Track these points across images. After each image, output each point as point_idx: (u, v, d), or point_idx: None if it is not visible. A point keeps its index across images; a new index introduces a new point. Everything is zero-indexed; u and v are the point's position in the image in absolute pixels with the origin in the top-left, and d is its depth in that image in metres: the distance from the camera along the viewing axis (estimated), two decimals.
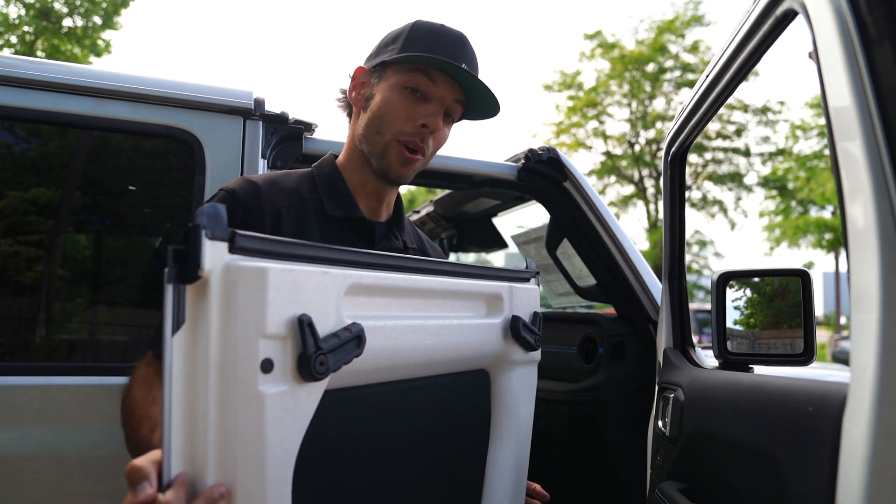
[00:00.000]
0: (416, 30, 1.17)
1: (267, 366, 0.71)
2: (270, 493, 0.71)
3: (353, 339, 0.82)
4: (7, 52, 12.52)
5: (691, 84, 17.95)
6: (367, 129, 1.18)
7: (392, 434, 1.00)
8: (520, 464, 1.22)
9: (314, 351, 0.75)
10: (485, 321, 1.15)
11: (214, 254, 0.68)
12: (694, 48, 18.80)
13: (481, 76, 1.22)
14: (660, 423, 1.30)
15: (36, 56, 12.64)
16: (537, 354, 1.27)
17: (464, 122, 1.27)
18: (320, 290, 0.79)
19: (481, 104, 1.21)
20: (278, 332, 0.72)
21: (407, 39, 1.16)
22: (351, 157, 1.23)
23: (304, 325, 0.75)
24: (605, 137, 19.84)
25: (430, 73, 1.14)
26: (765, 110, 18.99)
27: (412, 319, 0.98)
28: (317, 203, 1.17)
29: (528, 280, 1.27)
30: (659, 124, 19.23)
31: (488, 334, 1.15)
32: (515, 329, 1.19)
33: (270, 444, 0.71)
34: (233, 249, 0.70)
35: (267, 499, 0.71)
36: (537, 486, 1.32)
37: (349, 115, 1.27)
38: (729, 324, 1.24)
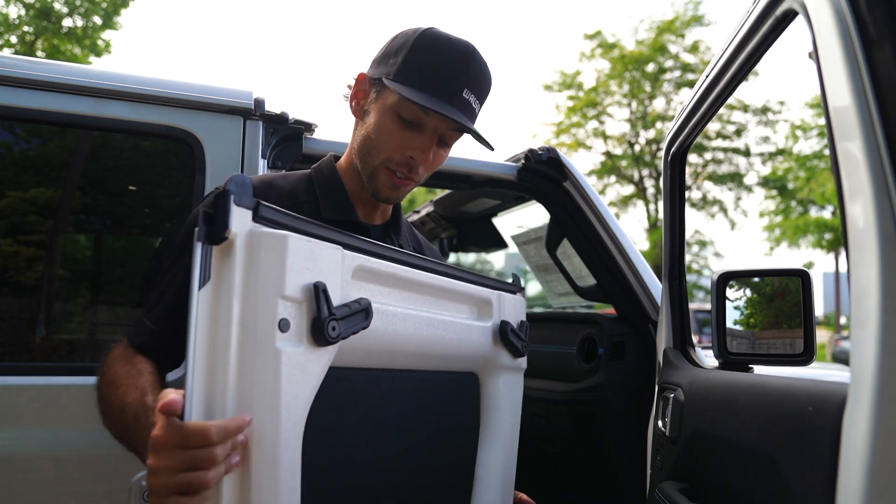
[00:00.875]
0: (416, 48, 1.10)
1: (284, 325, 0.77)
2: (284, 444, 0.76)
3: (361, 311, 0.88)
4: (7, 52, 12.52)
5: (691, 84, 17.95)
6: (360, 149, 1.17)
7: (387, 427, 1.02)
8: (508, 467, 1.26)
9: (327, 316, 0.81)
10: (476, 323, 1.19)
11: (240, 219, 0.75)
12: (694, 48, 18.80)
13: (492, 87, 1.18)
14: (660, 423, 1.30)
15: (36, 56, 12.64)
16: (523, 362, 1.31)
17: None
18: (333, 265, 0.85)
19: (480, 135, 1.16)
20: (295, 295, 0.78)
21: (406, 59, 1.10)
22: (350, 166, 1.22)
23: (319, 291, 0.81)
24: (605, 137, 19.84)
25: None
26: (765, 110, 18.99)
27: (411, 310, 1.02)
28: (312, 205, 1.17)
29: (514, 293, 1.31)
30: (659, 124, 19.22)
31: (479, 336, 1.19)
32: (504, 333, 1.22)
33: (285, 398, 0.76)
34: (256, 218, 0.77)
35: (280, 448, 0.75)
36: (524, 496, 1.34)
37: (356, 122, 1.24)
38: (729, 324, 1.24)
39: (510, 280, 1.34)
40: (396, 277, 0.99)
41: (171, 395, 0.71)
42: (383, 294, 0.97)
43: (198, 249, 0.71)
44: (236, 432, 0.71)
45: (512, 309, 1.28)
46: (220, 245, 0.73)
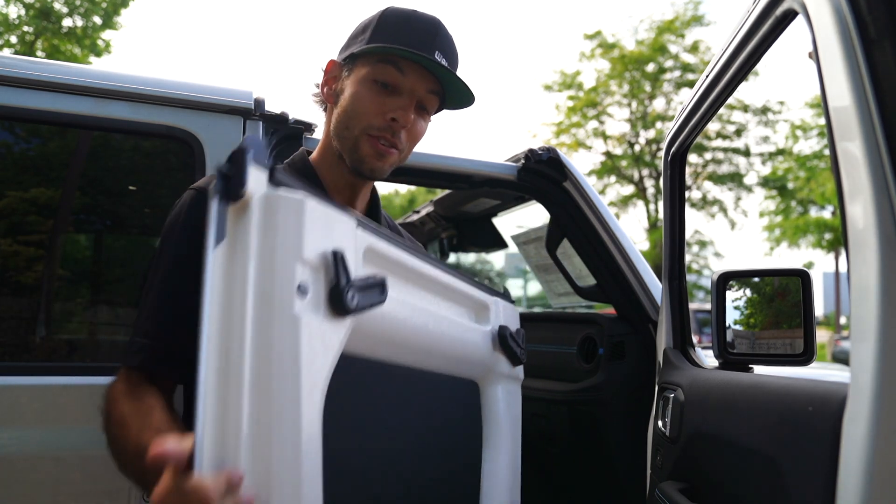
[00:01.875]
0: (385, 18, 1.12)
1: (303, 290, 0.72)
2: (305, 417, 0.71)
3: (378, 285, 0.84)
4: (7, 52, 12.52)
5: (691, 84, 17.94)
6: (337, 126, 1.14)
7: (398, 428, 1.01)
8: (513, 479, 1.25)
9: (346, 283, 0.76)
10: (477, 326, 1.18)
11: (256, 180, 0.71)
12: (694, 48, 18.81)
13: (460, 62, 1.18)
14: (660, 423, 1.30)
15: (36, 56, 12.64)
16: (521, 372, 1.30)
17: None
18: (348, 237, 0.82)
19: (457, 94, 1.15)
20: (313, 260, 0.74)
21: (375, 29, 1.11)
22: (325, 154, 1.19)
23: (337, 258, 0.77)
24: (605, 137, 19.84)
25: (399, 64, 1.09)
26: (765, 110, 18.99)
27: (418, 301, 0.99)
28: None
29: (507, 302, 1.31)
30: (659, 124, 19.23)
31: (480, 339, 1.18)
32: (503, 338, 1.21)
33: (305, 368, 0.71)
34: (271, 181, 0.73)
35: (301, 421, 0.70)
36: None
37: (325, 109, 1.22)
38: (729, 324, 1.24)
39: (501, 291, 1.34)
40: (404, 266, 0.96)
41: (165, 444, 0.66)
42: (393, 283, 0.93)
43: (213, 206, 0.68)
44: (236, 485, 0.65)
45: (508, 316, 1.27)
46: (236, 205, 0.70)
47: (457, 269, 1.17)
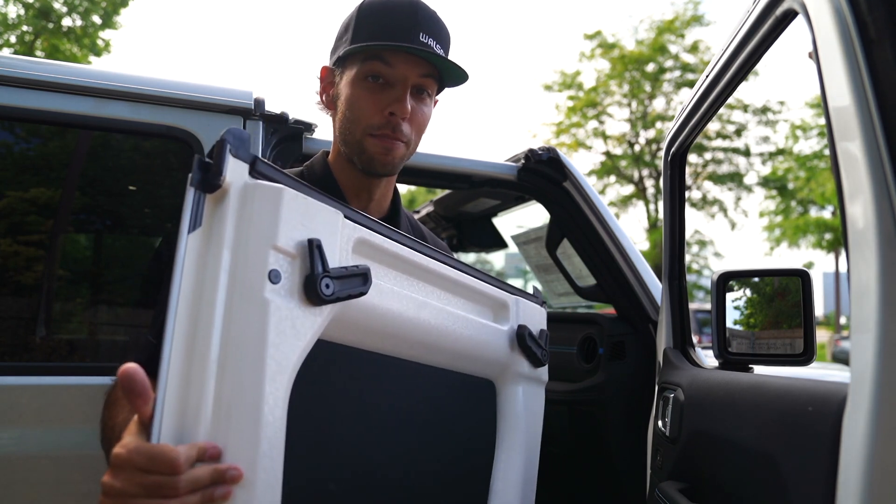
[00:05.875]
0: (362, 14, 1.12)
1: (274, 277, 0.73)
2: (268, 401, 0.71)
3: (359, 275, 0.83)
4: (7, 52, 12.51)
5: (691, 84, 17.94)
6: (342, 131, 1.15)
7: (400, 424, 1.00)
8: (527, 483, 1.20)
9: (321, 272, 0.77)
10: (491, 324, 1.14)
11: (235, 171, 0.73)
12: (694, 48, 18.81)
13: (452, 35, 1.17)
14: (660, 423, 1.30)
15: (36, 56, 12.63)
16: (544, 374, 1.25)
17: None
18: (331, 228, 0.82)
19: (452, 72, 1.14)
20: (288, 248, 0.75)
21: (356, 27, 1.11)
22: (337, 159, 1.20)
23: (313, 247, 0.77)
24: (605, 137, 19.84)
25: (385, 56, 1.09)
26: (765, 110, 18.99)
27: (417, 295, 0.97)
28: None
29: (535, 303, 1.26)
30: (659, 124, 19.23)
31: (494, 338, 1.13)
32: (522, 338, 1.16)
33: (271, 349, 0.72)
34: (253, 173, 0.75)
35: (262, 408, 0.70)
36: None
37: (330, 115, 1.23)
38: (729, 324, 1.23)
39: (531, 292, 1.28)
40: (403, 259, 0.95)
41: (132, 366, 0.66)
42: (388, 275, 0.93)
43: (189, 195, 0.69)
44: (207, 457, 0.65)
45: (531, 317, 1.22)
46: (214, 194, 0.71)
47: (477, 268, 1.13)
